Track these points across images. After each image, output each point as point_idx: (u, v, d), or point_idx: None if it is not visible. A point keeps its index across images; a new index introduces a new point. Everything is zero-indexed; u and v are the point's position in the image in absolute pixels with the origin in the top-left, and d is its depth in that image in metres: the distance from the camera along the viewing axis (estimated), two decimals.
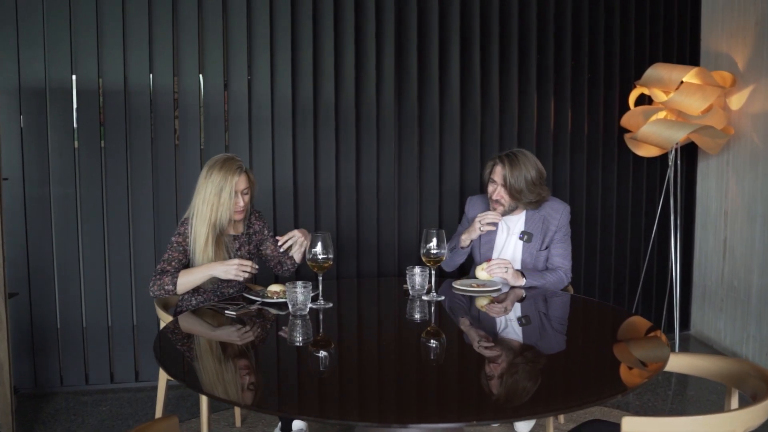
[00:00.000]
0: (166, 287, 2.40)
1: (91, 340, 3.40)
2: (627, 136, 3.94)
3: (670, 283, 4.12)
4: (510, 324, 2.23)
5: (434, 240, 2.34)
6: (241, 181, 2.48)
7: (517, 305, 2.42)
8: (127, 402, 3.27)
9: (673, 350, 3.89)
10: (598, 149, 4.13)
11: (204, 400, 2.38)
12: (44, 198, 3.30)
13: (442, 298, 2.38)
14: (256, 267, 2.47)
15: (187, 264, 2.52)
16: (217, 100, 3.48)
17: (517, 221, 2.80)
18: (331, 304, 2.28)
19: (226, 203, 2.45)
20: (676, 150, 3.91)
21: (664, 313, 4.24)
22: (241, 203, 2.50)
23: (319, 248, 2.22)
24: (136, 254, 3.42)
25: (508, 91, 3.91)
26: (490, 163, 2.74)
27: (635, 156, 4.14)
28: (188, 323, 2.14)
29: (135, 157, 3.39)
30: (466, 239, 2.76)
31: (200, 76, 3.45)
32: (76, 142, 3.33)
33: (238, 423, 2.98)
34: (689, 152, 4.30)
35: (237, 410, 2.97)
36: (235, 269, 2.37)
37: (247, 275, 2.41)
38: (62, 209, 3.33)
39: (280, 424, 2.57)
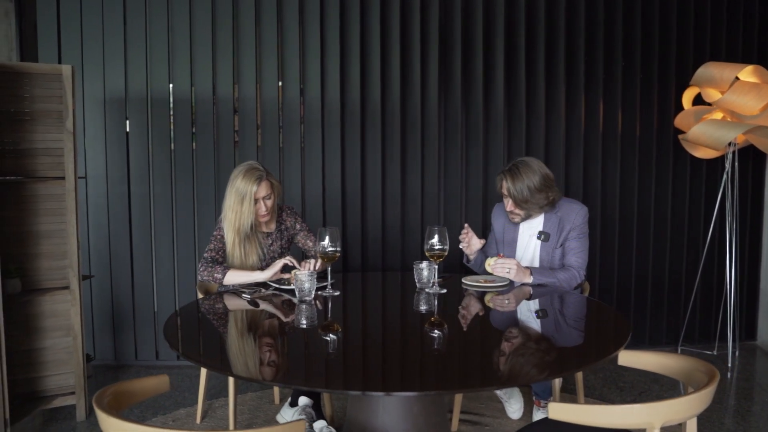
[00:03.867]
0: (215, 275, 2.71)
1: (161, 320, 3.84)
2: (680, 137, 3.85)
3: (725, 290, 3.96)
4: (501, 314, 2.34)
5: (436, 236, 2.49)
6: (260, 190, 2.70)
7: (515, 299, 2.51)
8: (188, 377, 3.66)
9: (725, 361, 3.76)
10: (651, 152, 4.05)
11: (231, 381, 2.68)
12: (123, 195, 3.77)
13: (444, 290, 2.52)
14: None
15: None
16: (272, 106, 3.80)
17: (538, 222, 2.89)
18: (338, 293, 2.50)
19: (247, 211, 2.71)
20: (733, 152, 3.76)
21: (720, 320, 4.08)
22: (263, 209, 2.74)
23: (327, 241, 2.44)
24: (200, 246, 3.81)
25: (555, 93, 3.94)
26: (498, 177, 2.86)
27: (693, 158, 4.02)
28: (204, 305, 2.43)
29: (200, 158, 3.79)
30: (470, 256, 2.99)
31: (257, 84, 3.78)
32: (150, 146, 3.77)
33: (276, 401, 3.27)
34: (757, 154, 4.10)
35: (276, 389, 3.27)
36: (273, 274, 2.65)
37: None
38: (139, 205, 3.79)
39: (290, 399, 2.82)
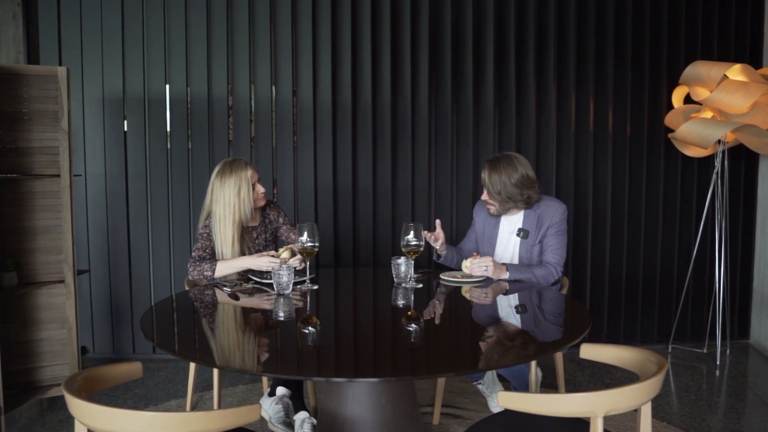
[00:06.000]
0: (205, 273, 2.78)
1: None
2: (670, 135, 3.87)
3: (716, 288, 3.96)
4: (471, 307, 2.39)
5: (411, 233, 2.55)
6: (253, 174, 2.81)
7: (491, 293, 2.56)
8: (182, 370, 3.75)
9: (714, 360, 3.78)
10: (642, 150, 4.07)
11: (215, 371, 2.76)
12: (121, 192, 3.88)
13: (420, 285, 2.58)
14: (287, 259, 2.71)
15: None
16: (265, 106, 3.89)
17: (517, 219, 2.94)
18: (316, 287, 2.57)
19: (246, 199, 2.78)
20: (723, 151, 3.78)
21: (709, 318, 4.09)
22: (262, 189, 2.84)
23: (305, 237, 2.51)
24: (196, 241, 3.90)
25: (545, 91, 3.98)
26: (483, 166, 2.90)
27: (684, 156, 4.04)
28: (182, 300, 2.50)
29: (195, 157, 3.88)
30: (440, 252, 2.99)
31: (251, 84, 3.87)
32: (147, 145, 3.88)
33: (265, 392, 3.35)
34: (749, 153, 4.11)
35: (264, 381, 3.34)
36: (266, 263, 2.71)
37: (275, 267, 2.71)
38: (136, 202, 3.89)
39: (268, 390, 2.90)
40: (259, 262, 2.71)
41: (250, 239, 2.92)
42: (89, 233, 3.87)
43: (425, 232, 2.89)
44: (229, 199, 2.78)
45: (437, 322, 2.20)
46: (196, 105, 3.86)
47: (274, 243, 3.08)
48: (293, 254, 2.74)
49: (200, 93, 3.85)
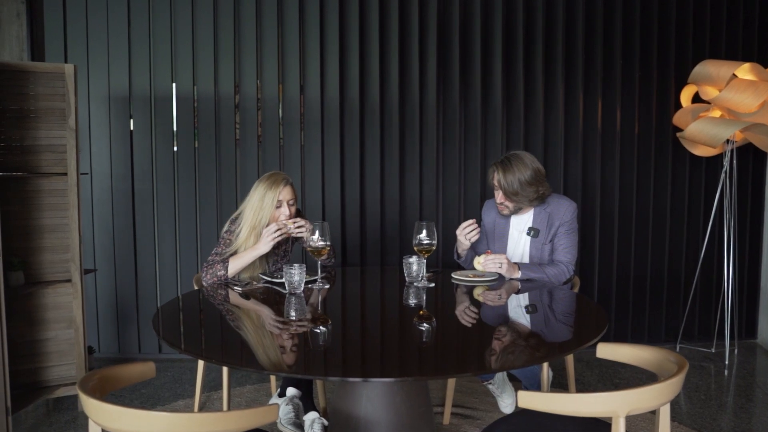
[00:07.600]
0: (218, 273, 2.73)
1: None
2: (678, 135, 3.85)
3: (724, 287, 3.94)
4: (485, 307, 2.37)
5: (424, 231, 2.54)
6: (285, 191, 2.75)
7: (503, 293, 2.55)
8: (189, 370, 3.73)
9: (722, 359, 3.76)
10: (650, 149, 4.05)
11: (225, 371, 2.73)
12: (127, 191, 3.86)
13: (432, 284, 2.57)
14: (284, 223, 2.70)
15: None
16: (272, 104, 3.87)
17: (527, 218, 2.92)
18: (328, 286, 2.55)
19: (267, 208, 2.73)
20: (732, 150, 3.76)
21: (717, 318, 4.07)
22: (287, 212, 2.77)
23: (316, 235, 2.49)
24: (202, 241, 3.89)
25: (553, 91, 3.96)
26: (490, 169, 2.88)
27: (692, 156, 4.02)
28: (192, 299, 2.49)
29: (202, 155, 3.86)
30: (461, 251, 2.94)
31: (258, 82, 3.85)
32: (153, 144, 3.85)
33: (273, 393, 3.32)
34: (757, 152, 4.09)
35: (273, 381, 3.33)
36: (271, 239, 2.68)
37: (280, 237, 2.69)
38: (142, 201, 3.87)
39: (278, 390, 2.88)
40: (264, 239, 2.67)
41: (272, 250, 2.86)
42: (95, 232, 3.84)
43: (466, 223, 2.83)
44: (254, 203, 2.76)
45: (451, 321, 2.18)
46: (202, 103, 3.84)
47: (292, 251, 3.04)
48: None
49: (207, 91, 3.83)
